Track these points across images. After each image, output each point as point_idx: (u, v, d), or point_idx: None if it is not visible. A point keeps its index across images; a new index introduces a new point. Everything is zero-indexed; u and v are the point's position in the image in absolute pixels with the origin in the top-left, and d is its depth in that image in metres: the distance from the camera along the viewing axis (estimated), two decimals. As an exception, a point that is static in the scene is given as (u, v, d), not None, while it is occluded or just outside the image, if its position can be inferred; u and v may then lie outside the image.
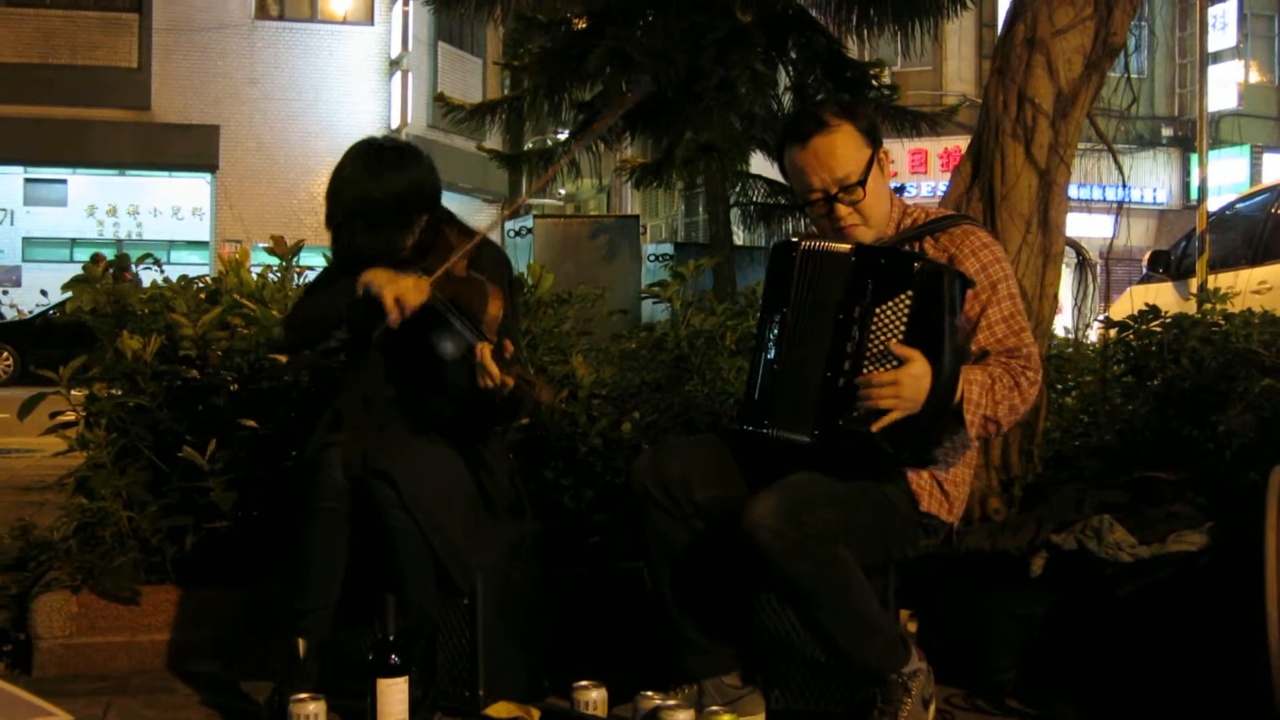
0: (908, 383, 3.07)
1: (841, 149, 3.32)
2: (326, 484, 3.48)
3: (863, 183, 3.32)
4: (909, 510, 3.35)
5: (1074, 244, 4.67)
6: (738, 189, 16.04)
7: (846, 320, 3.15)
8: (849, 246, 3.22)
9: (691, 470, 3.37)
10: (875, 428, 3.09)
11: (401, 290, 3.46)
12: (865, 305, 3.13)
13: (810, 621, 3.25)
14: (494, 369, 3.31)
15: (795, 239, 3.33)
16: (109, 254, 4.98)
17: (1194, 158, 22.51)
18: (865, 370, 3.11)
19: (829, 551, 3.12)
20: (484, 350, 3.34)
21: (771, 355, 3.30)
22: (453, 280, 3.60)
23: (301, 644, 3.50)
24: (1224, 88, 28.40)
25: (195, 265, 28.51)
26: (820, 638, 3.28)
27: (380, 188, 3.60)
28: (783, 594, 3.31)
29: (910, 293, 3.10)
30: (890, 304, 3.12)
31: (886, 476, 3.31)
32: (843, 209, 3.34)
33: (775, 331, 3.30)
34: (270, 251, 4.94)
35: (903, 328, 3.11)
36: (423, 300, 3.48)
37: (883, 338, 3.12)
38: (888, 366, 3.09)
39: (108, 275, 4.78)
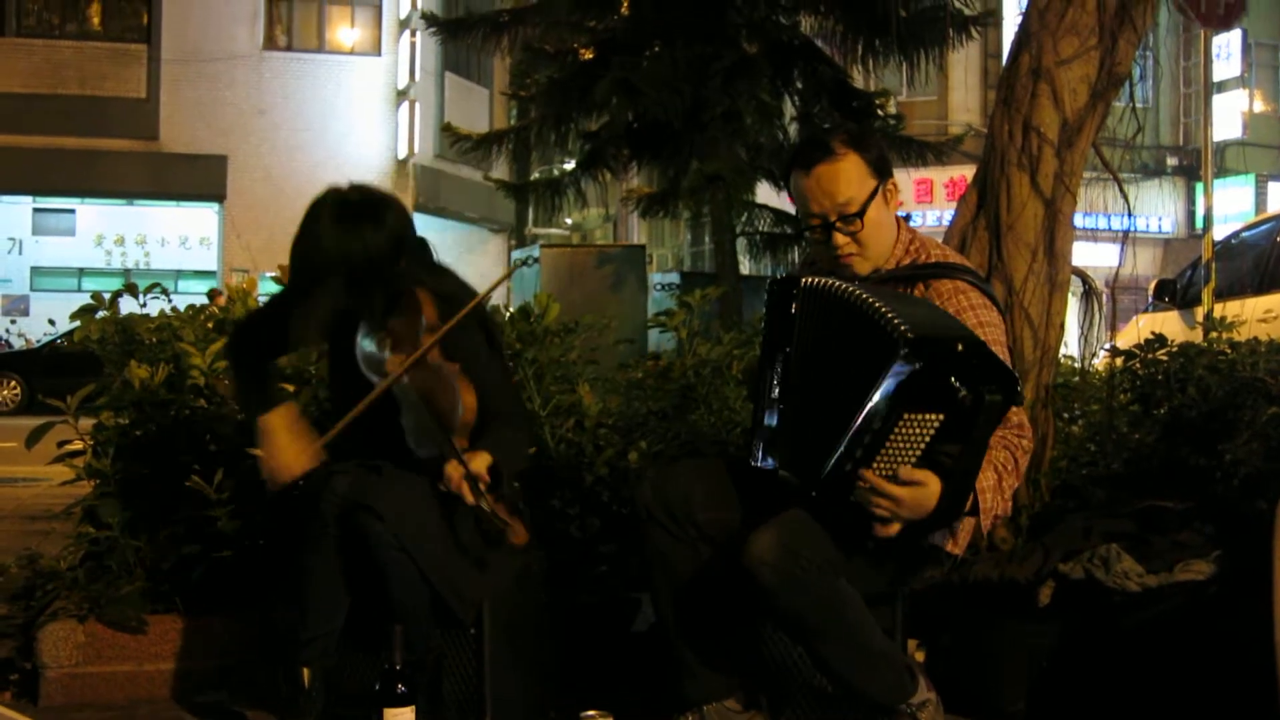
0: (909, 502, 2.99)
1: (844, 177, 3.31)
2: (327, 512, 3.47)
3: (861, 214, 3.30)
4: (913, 543, 3.34)
5: (1080, 273, 4.67)
6: (744, 219, 16.06)
7: (874, 408, 2.98)
8: (905, 330, 2.95)
9: (693, 491, 3.37)
10: (879, 531, 3.05)
11: (277, 468, 3.52)
12: (894, 403, 2.96)
13: (815, 654, 3.24)
14: (466, 495, 3.31)
15: (818, 279, 3.21)
16: (117, 284, 4.96)
17: (1199, 187, 22.52)
18: (875, 465, 3.01)
19: (829, 585, 3.11)
20: (455, 476, 3.33)
21: (776, 394, 3.22)
22: (422, 369, 3.47)
23: (306, 673, 3.49)
24: (1228, 117, 28.39)
25: (203, 295, 28.50)
26: (826, 670, 3.27)
27: (364, 245, 3.47)
28: (786, 628, 3.31)
29: (942, 416, 2.96)
30: (919, 416, 2.97)
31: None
32: (840, 238, 3.34)
33: (781, 370, 3.21)
34: (277, 280, 4.95)
35: (923, 445, 2.98)
36: (296, 475, 3.51)
37: (900, 446, 2.99)
38: (898, 479, 3.00)
39: (117, 304, 4.79)
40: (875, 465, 3.01)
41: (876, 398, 2.98)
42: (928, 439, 2.98)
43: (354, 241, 3.46)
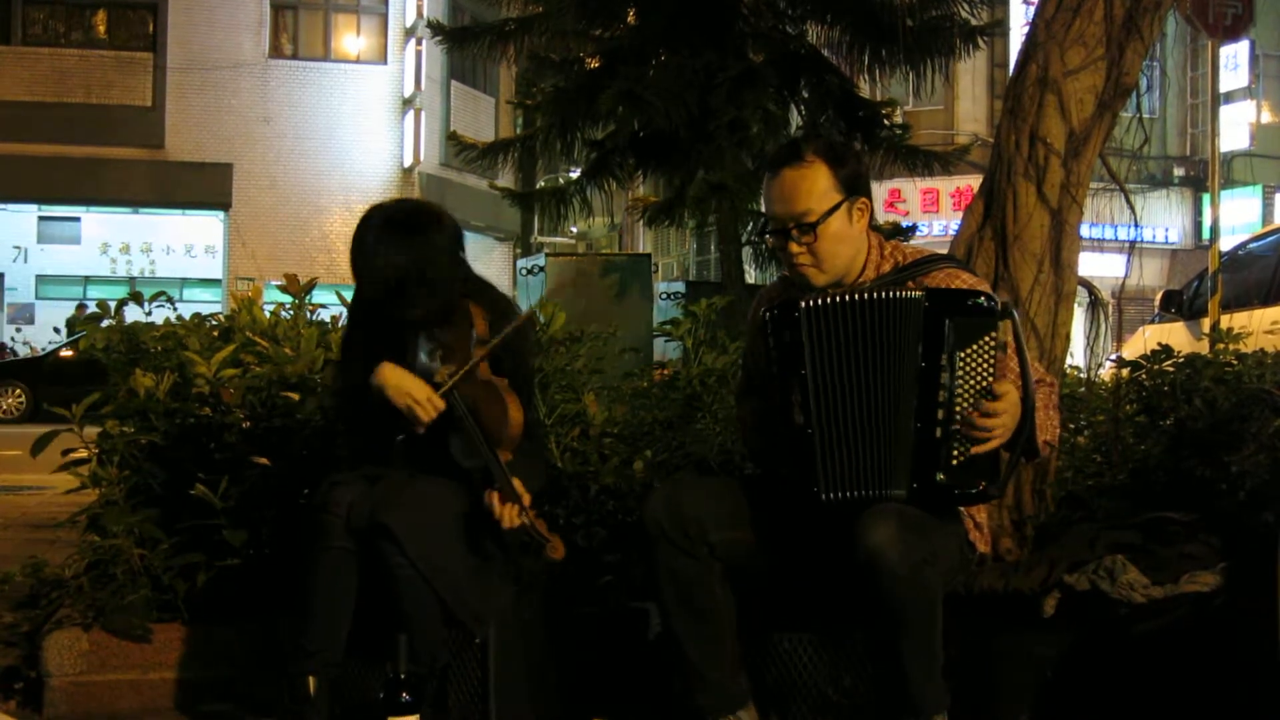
0: (1006, 411, 3.10)
1: (805, 187, 3.31)
2: (333, 523, 3.48)
3: (815, 225, 3.29)
4: (965, 542, 3.38)
5: (1086, 283, 4.66)
6: (749, 228, 16.05)
7: (930, 370, 3.11)
8: (918, 292, 3.17)
9: (707, 512, 3.33)
10: (978, 449, 3.13)
11: (415, 402, 3.51)
12: (949, 353, 3.10)
13: (891, 651, 3.14)
14: (506, 516, 3.44)
15: (814, 300, 3.19)
16: (122, 292, 4.96)
17: (1206, 197, 22.48)
18: (958, 409, 3.11)
19: (936, 583, 3.12)
20: (496, 501, 3.45)
21: (813, 424, 3.17)
22: (472, 382, 3.57)
23: (311, 682, 3.49)
24: (1236, 128, 28.31)
25: (208, 303, 28.54)
26: (895, 668, 3.16)
27: (433, 249, 3.60)
28: (881, 620, 3.15)
29: (995, 334, 3.12)
30: (973, 349, 3.11)
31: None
32: (794, 246, 3.33)
33: (811, 399, 3.16)
34: (283, 289, 4.95)
35: (991, 367, 3.12)
36: (436, 414, 3.52)
37: (973, 382, 3.11)
38: (980, 409, 3.11)
39: (122, 313, 4.79)
40: (958, 409, 3.12)
41: (927, 363, 3.12)
42: (993, 360, 3.12)
43: (420, 249, 3.58)
